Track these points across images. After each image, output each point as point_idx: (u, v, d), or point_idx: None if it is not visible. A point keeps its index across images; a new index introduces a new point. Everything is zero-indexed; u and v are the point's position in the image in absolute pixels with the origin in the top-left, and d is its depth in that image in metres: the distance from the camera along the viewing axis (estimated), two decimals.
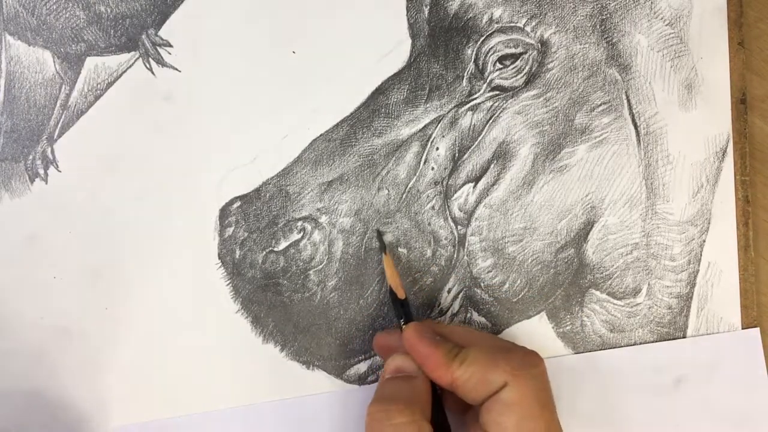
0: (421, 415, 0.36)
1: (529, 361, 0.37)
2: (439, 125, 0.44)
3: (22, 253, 0.43)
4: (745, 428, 0.45)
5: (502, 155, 0.44)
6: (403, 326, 0.39)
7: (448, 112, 0.44)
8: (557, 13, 0.45)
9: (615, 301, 0.46)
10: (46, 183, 0.43)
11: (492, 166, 0.44)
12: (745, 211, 0.46)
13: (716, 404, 0.45)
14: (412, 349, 0.38)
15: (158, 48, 0.43)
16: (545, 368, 0.38)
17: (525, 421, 0.35)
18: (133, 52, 0.43)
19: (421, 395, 0.37)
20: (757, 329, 0.46)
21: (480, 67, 0.44)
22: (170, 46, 0.43)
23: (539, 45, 0.45)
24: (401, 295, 0.40)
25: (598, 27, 0.45)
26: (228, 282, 0.43)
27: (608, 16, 0.45)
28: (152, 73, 0.43)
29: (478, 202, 0.44)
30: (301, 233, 0.43)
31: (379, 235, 0.43)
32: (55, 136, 0.43)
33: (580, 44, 0.45)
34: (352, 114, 0.44)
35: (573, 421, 0.42)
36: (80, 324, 0.43)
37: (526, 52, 0.44)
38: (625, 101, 0.45)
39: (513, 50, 0.44)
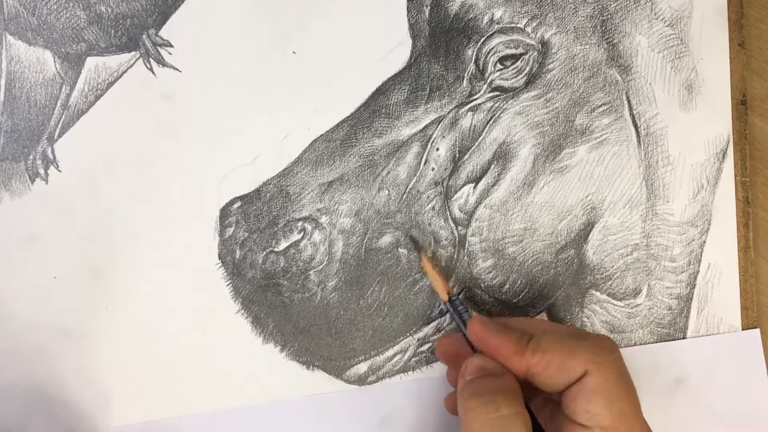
0: (523, 408, 0.36)
1: (606, 347, 0.37)
2: (440, 126, 0.44)
3: (22, 253, 0.43)
4: (744, 429, 0.45)
5: (503, 156, 0.44)
6: (468, 320, 0.39)
7: (449, 112, 0.44)
8: (558, 14, 0.45)
9: (615, 302, 0.46)
10: (47, 183, 0.43)
11: (492, 166, 0.44)
12: (746, 212, 0.46)
13: (716, 405, 0.45)
14: (480, 341, 0.38)
15: (159, 48, 0.43)
16: (619, 351, 0.37)
17: (614, 405, 0.35)
18: (133, 52, 0.43)
19: (516, 389, 0.37)
20: (757, 330, 0.46)
21: (480, 68, 0.44)
22: (171, 46, 0.43)
23: (540, 46, 0.45)
24: (443, 296, 0.40)
25: (598, 28, 0.45)
26: (228, 282, 0.43)
27: (609, 17, 0.45)
28: (153, 73, 0.43)
29: (478, 203, 0.44)
30: (302, 233, 0.43)
31: (413, 239, 0.43)
32: (55, 136, 0.43)
33: (581, 45, 0.45)
34: (352, 114, 0.44)
35: None
36: (80, 324, 0.43)
37: (526, 53, 0.44)
38: (626, 102, 0.45)
39: (513, 51, 0.44)
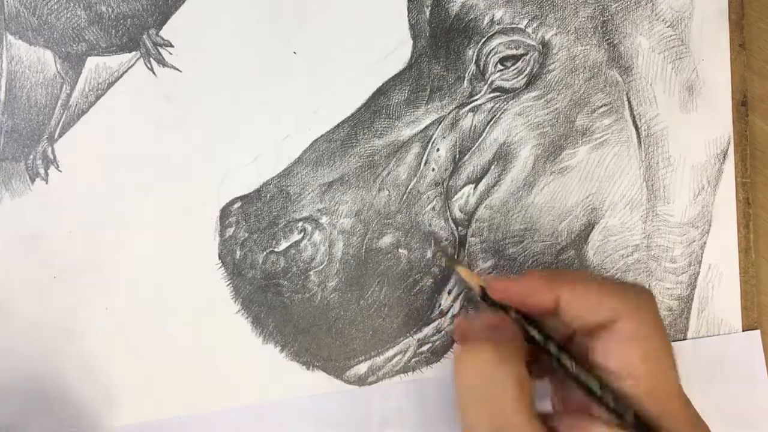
0: (516, 357, 0.33)
1: (644, 293, 0.35)
2: (440, 126, 0.44)
3: (22, 253, 0.43)
4: (744, 430, 0.45)
5: (503, 156, 0.44)
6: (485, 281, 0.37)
7: (449, 113, 0.44)
8: (558, 15, 0.45)
9: None
10: (47, 183, 0.43)
11: (493, 167, 0.44)
12: (746, 213, 0.46)
13: (717, 406, 0.45)
14: (502, 287, 0.36)
15: (159, 48, 0.43)
16: (654, 299, 0.35)
17: (650, 354, 0.33)
18: (134, 52, 0.43)
19: (511, 338, 0.35)
20: (758, 331, 0.46)
21: (481, 69, 0.44)
22: (171, 46, 0.43)
23: (540, 46, 0.45)
24: (477, 290, 0.38)
25: (599, 29, 0.45)
26: (228, 282, 0.43)
27: (609, 17, 0.45)
28: (153, 73, 0.43)
29: (478, 204, 0.44)
30: (302, 234, 0.43)
31: (444, 252, 0.43)
32: (55, 136, 0.43)
33: (582, 46, 0.45)
34: (353, 115, 0.44)
35: None
36: (80, 324, 0.43)
37: (527, 54, 0.44)
38: (626, 103, 0.45)
39: (514, 51, 0.44)
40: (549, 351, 0.34)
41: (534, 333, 0.35)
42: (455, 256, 0.43)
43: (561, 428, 0.33)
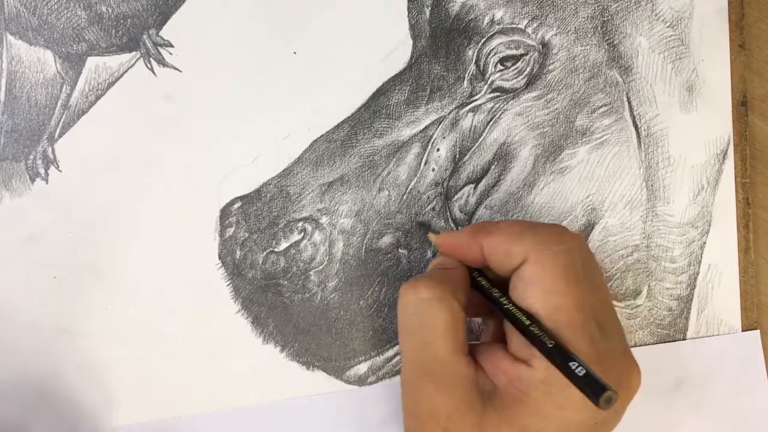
0: (451, 294, 0.35)
1: (554, 236, 0.35)
2: (440, 126, 0.44)
3: (22, 253, 0.43)
4: (744, 430, 0.45)
5: (503, 156, 0.44)
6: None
7: (449, 113, 0.44)
8: (558, 15, 0.45)
9: (615, 303, 0.46)
10: (47, 183, 0.43)
11: (493, 167, 0.44)
12: (746, 213, 0.46)
13: (716, 406, 0.45)
14: (444, 239, 0.39)
15: (159, 48, 0.43)
16: (576, 244, 0.36)
17: (550, 297, 0.34)
18: (134, 52, 0.43)
19: (453, 280, 0.37)
20: (757, 331, 0.46)
21: (481, 69, 0.44)
22: (171, 46, 0.43)
23: (540, 46, 0.45)
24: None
25: (599, 29, 0.45)
26: (228, 282, 0.43)
27: (609, 18, 0.45)
28: (153, 73, 0.43)
29: (478, 204, 0.44)
30: (302, 234, 0.43)
31: (422, 224, 0.44)
32: (56, 136, 0.43)
33: (581, 46, 0.45)
34: (353, 115, 0.44)
35: None
36: (80, 324, 0.43)
37: (527, 54, 0.44)
38: (626, 103, 0.45)
39: (514, 52, 0.44)
40: (487, 293, 0.37)
41: (476, 277, 0.38)
42: (429, 225, 0.44)
43: (478, 357, 0.36)
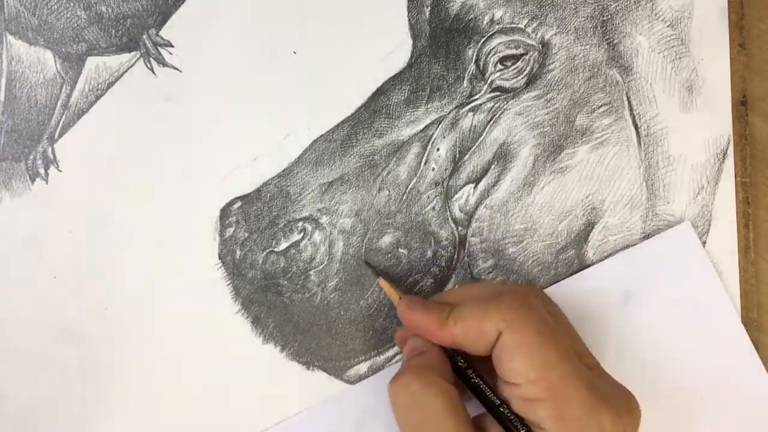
0: (436, 377, 0.36)
1: (516, 301, 0.37)
2: (440, 126, 0.44)
3: (22, 253, 0.43)
4: (696, 321, 0.44)
5: (503, 156, 0.44)
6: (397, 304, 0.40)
7: (449, 112, 0.44)
8: (558, 15, 0.45)
9: None
10: (47, 183, 0.43)
11: (493, 167, 0.44)
12: (746, 213, 0.46)
13: (666, 309, 0.44)
14: (409, 322, 0.39)
15: (159, 48, 0.43)
16: (536, 298, 0.38)
17: (535, 356, 0.35)
18: (134, 52, 0.43)
19: (432, 362, 0.38)
20: (688, 222, 0.45)
21: (481, 68, 0.44)
22: (171, 46, 0.43)
23: (540, 46, 0.45)
24: (397, 305, 0.40)
25: (599, 28, 0.45)
26: (228, 282, 0.43)
27: (609, 17, 0.45)
28: (153, 73, 0.43)
29: (478, 203, 0.44)
30: (302, 234, 0.43)
31: (369, 263, 0.43)
32: (56, 136, 0.43)
33: (581, 45, 0.45)
34: (353, 114, 0.44)
35: None
36: (80, 324, 0.43)
37: (527, 53, 0.44)
38: (626, 102, 0.45)
39: (514, 51, 0.44)
40: (464, 376, 0.38)
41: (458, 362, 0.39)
42: (379, 267, 0.43)
43: (482, 425, 0.38)
